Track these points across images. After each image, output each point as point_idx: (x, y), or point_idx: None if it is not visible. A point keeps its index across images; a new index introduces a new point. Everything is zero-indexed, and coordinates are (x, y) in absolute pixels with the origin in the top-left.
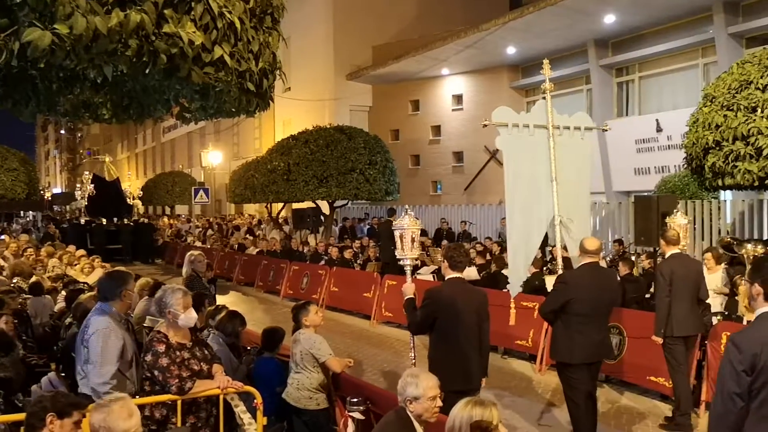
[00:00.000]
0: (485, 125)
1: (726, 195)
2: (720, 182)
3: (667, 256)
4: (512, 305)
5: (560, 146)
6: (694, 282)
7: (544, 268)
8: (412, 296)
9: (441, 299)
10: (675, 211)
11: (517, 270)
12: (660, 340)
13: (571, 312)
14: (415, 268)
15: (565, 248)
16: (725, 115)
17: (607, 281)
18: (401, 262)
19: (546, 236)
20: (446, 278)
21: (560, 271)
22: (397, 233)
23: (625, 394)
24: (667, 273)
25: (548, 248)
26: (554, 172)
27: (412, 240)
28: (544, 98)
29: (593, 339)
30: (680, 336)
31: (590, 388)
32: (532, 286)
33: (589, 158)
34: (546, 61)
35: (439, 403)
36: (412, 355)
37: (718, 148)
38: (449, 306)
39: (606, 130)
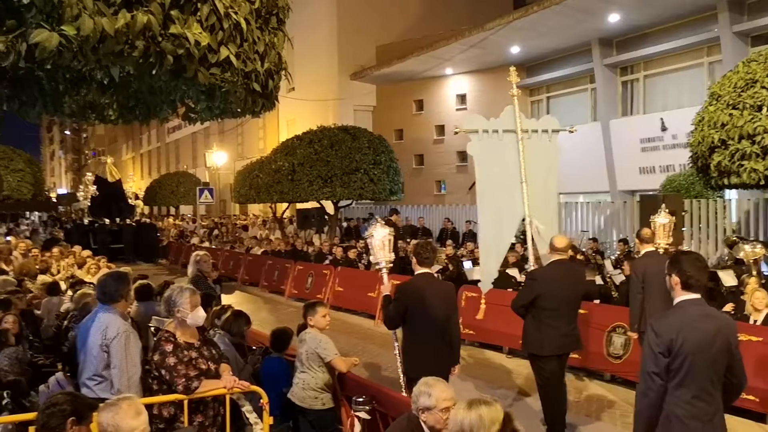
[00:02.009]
0: (456, 133)
1: (731, 194)
2: (726, 181)
3: (641, 253)
4: (483, 301)
5: (529, 149)
6: (664, 280)
7: None
8: (389, 294)
9: (411, 293)
10: (659, 210)
11: (489, 268)
12: (635, 335)
13: (541, 306)
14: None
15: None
16: (731, 114)
17: (575, 277)
18: (378, 266)
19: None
20: (415, 273)
21: (532, 268)
22: (369, 241)
23: (632, 394)
24: (639, 271)
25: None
26: (524, 174)
27: (385, 244)
28: (511, 105)
29: (562, 331)
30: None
31: (560, 378)
32: None
33: (557, 159)
34: (513, 68)
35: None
36: (396, 351)
37: (723, 147)
38: (419, 299)
39: (572, 132)
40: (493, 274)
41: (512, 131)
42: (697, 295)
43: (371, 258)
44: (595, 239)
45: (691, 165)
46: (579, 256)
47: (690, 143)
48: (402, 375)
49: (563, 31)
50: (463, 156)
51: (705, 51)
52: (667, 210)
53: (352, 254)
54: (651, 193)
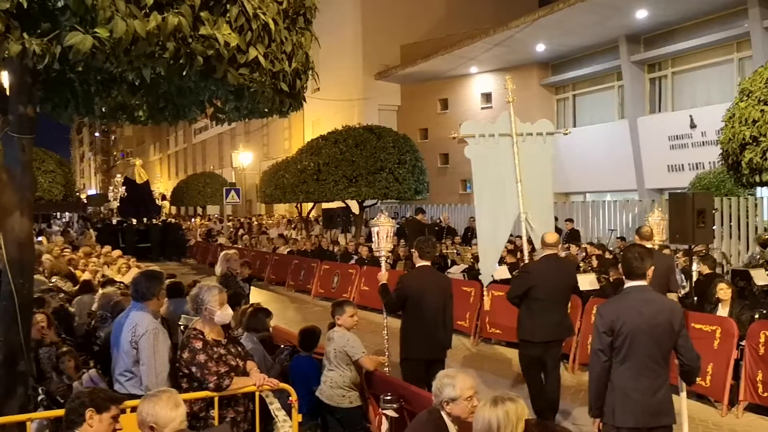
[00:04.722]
0: (454, 138)
1: (763, 192)
2: (757, 179)
3: None
4: (486, 293)
5: (524, 151)
6: (663, 275)
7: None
8: (386, 282)
9: (411, 283)
10: (653, 208)
11: (487, 263)
12: None
13: (533, 297)
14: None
15: (529, 241)
16: (762, 110)
17: (565, 270)
18: (377, 254)
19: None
20: (416, 266)
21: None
22: (374, 230)
23: None
24: None
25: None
26: (518, 174)
27: (387, 235)
28: (508, 109)
29: (553, 320)
30: None
31: (550, 365)
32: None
33: (551, 160)
34: (508, 77)
35: (476, 402)
36: (385, 332)
37: (755, 144)
38: (418, 289)
39: (567, 134)
40: (491, 269)
41: (508, 135)
42: (641, 282)
43: (373, 246)
44: (623, 238)
45: (721, 162)
46: (607, 255)
47: (720, 140)
48: (388, 358)
49: (589, 28)
50: None
51: (735, 47)
52: (660, 209)
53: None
54: (680, 191)
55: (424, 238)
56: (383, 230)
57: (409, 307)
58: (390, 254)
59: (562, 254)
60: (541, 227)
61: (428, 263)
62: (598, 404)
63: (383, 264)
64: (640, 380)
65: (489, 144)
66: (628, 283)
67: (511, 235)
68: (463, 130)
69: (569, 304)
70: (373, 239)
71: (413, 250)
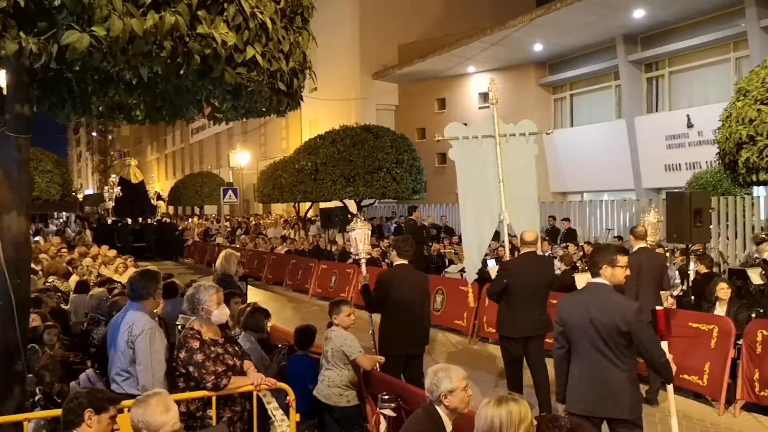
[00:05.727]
0: (438, 140)
1: (760, 191)
2: (754, 178)
3: (634, 249)
4: (469, 290)
5: (507, 152)
6: (657, 274)
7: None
8: (367, 282)
9: (390, 281)
10: (649, 209)
11: (472, 259)
12: None
13: (513, 294)
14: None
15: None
16: (759, 110)
17: (543, 267)
18: (357, 257)
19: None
20: (394, 264)
21: (507, 259)
22: (351, 235)
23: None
24: (635, 265)
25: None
26: (501, 174)
27: (365, 238)
28: (491, 110)
29: (531, 316)
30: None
31: (534, 361)
32: (562, 284)
33: (533, 160)
34: (492, 78)
35: (470, 392)
36: (371, 330)
37: (752, 143)
38: (397, 287)
39: (549, 134)
40: (476, 265)
41: (491, 136)
42: (598, 280)
43: (351, 249)
44: (620, 237)
45: (718, 162)
46: None
47: (717, 139)
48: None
49: (587, 28)
50: None
51: (731, 46)
52: (656, 210)
53: (375, 253)
54: (677, 190)
55: (402, 237)
56: (360, 234)
57: (389, 305)
58: (369, 255)
59: (560, 252)
60: (525, 226)
61: (406, 261)
62: (560, 390)
63: (363, 266)
64: (586, 370)
65: (473, 146)
66: (591, 280)
67: (508, 235)
68: (447, 133)
69: (547, 301)
70: (351, 244)
71: (392, 249)
